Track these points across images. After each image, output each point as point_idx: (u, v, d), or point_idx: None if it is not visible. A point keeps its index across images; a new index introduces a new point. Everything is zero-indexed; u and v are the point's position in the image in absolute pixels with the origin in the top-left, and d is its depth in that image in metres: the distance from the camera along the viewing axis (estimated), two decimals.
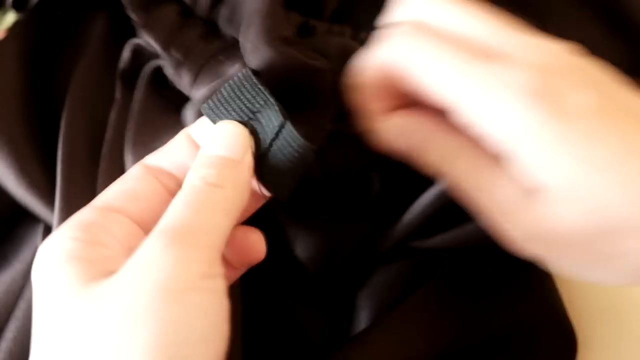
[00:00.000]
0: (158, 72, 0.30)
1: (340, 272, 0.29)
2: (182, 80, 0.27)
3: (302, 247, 0.28)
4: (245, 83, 0.22)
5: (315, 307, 0.29)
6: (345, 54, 0.28)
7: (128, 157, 0.28)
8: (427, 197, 0.29)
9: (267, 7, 0.25)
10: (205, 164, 0.21)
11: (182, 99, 0.30)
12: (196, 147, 0.23)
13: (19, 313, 0.29)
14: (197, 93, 0.26)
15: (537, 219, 0.19)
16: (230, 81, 0.23)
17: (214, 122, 0.22)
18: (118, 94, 0.31)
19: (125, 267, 0.18)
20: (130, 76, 0.31)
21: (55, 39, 0.33)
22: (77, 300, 0.17)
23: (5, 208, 0.31)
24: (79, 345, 0.17)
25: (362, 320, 0.28)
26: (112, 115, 0.30)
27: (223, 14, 0.28)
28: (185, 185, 0.20)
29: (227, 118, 0.22)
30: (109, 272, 0.18)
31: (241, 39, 0.25)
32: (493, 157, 0.21)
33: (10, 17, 0.35)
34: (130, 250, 0.19)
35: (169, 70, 0.28)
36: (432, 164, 0.22)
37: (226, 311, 0.18)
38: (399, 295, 0.28)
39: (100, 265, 0.18)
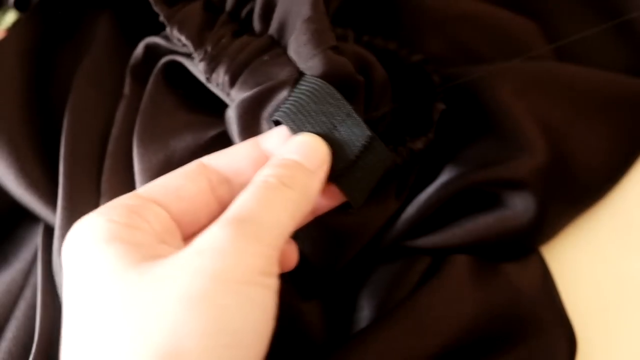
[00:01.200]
0: (171, 69, 0.30)
1: (341, 271, 0.29)
2: (218, 78, 0.27)
3: (309, 243, 0.28)
4: (326, 95, 0.23)
5: (316, 306, 0.29)
6: (361, 63, 0.28)
7: (136, 152, 0.28)
8: (423, 196, 0.29)
9: (316, 15, 0.25)
10: (279, 164, 0.21)
11: (195, 97, 0.30)
12: (263, 156, 0.23)
13: (18, 313, 0.28)
14: (240, 93, 0.26)
15: None
16: (306, 91, 0.23)
17: (293, 129, 0.23)
18: (127, 90, 0.31)
19: (188, 250, 0.18)
20: (141, 72, 0.31)
21: (56, 38, 0.33)
22: (126, 282, 0.17)
23: (5, 208, 0.31)
24: (129, 326, 0.16)
25: (363, 319, 0.28)
26: (120, 112, 0.30)
27: (255, 11, 0.28)
28: (256, 179, 0.20)
29: (309, 128, 0.23)
30: (154, 256, 0.18)
31: (294, 44, 0.25)
32: None
33: (10, 17, 0.35)
34: (163, 243, 0.19)
35: (201, 67, 0.27)
36: None
37: (275, 310, 0.18)
38: (400, 294, 0.28)
39: (143, 249, 0.18)
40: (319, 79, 0.23)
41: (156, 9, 0.28)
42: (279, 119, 0.23)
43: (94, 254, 0.18)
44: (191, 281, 0.17)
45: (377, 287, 0.29)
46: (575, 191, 0.32)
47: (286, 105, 0.23)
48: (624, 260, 0.32)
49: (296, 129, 0.23)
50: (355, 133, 0.22)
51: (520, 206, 0.29)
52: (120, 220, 0.19)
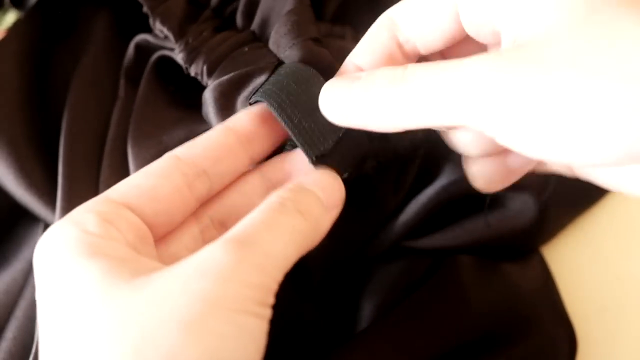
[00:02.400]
0: (163, 66, 0.30)
1: (341, 272, 0.29)
2: (197, 68, 0.27)
3: None
4: (308, 77, 0.22)
5: (316, 306, 0.29)
6: (344, 58, 0.28)
7: (130, 151, 0.28)
8: (423, 197, 0.29)
9: (299, 7, 0.25)
10: (298, 190, 0.20)
11: (186, 94, 0.30)
12: (236, 140, 0.22)
13: (19, 313, 0.28)
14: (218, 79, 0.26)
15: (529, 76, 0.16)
16: (286, 74, 0.23)
17: (274, 108, 0.22)
18: (122, 92, 0.31)
19: (186, 268, 0.17)
20: (134, 73, 0.31)
21: (56, 38, 0.33)
22: (118, 300, 0.16)
23: (5, 208, 0.31)
24: (123, 347, 0.16)
25: (363, 319, 0.28)
26: (116, 113, 0.30)
27: (239, 8, 0.28)
28: (271, 199, 0.20)
29: (291, 108, 0.22)
30: (143, 270, 0.17)
31: (275, 35, 0.25)
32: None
33: (10, 17, 0.35)
34: (136, 251, 0.19)
35: (181, 57, 0.27)
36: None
37: (265, 339, 0.18)
38: (400, 294, 0.28)
39: (129, 264, 0.17)
40: (300, 63, 0.23)
41: (140, 0, 0.29)
42: (259, 99, 0.23)
43: (74, 269, 0.17)
44: (190, 305, 0.16)
45: (377, 287, 0.29)
46: (575, 191, 0.32)
47: (266, 87, 0.23)
48: (624, 260, 0.32)
49: (277, 107, 0.22)
50: None
51: (520, 207, 0.29)
52: (95, 231, 0.18)
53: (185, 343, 0.16)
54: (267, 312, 0.18)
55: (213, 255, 0.17)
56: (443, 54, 0.23)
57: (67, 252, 0.17)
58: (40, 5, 0.33)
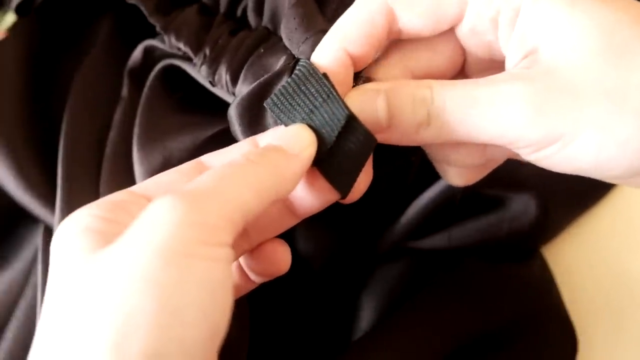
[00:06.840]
0: (169, 72, 0.30)
1: (342, 272, 0.29)
2: (221, 79, 0.27)
3: (305, 245, 0.28)
4: (309, 77, 0.22)
5: (318, 307, 0.29)
6: None
7: (135, 155, 0.28)
8: (424, 198, 0.29)
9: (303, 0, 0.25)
10: (253, 148, 0.21)
11: (192, 99, 0.30)
12: None
13: (19, 313, 0.29)
14: (243, 88, 0.26)
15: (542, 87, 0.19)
16: (294, 75, 0.22)
17: (279, 117, 0.22)
18: (125, 92, 0.31)
19: (130, 229, 0.17)
20: (139, 75, 0.31)
21: (57, 40, 0.33)
22: (86, 266, 0.17)
23: (5, 209, 0.31)
24: (85, 309, 0.16)
25: (364, 318, 0.28)
26: (118, 115, 0.30)
27: (249, 6, 0.28)
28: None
29: (291, 112, 0.22)
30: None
31: (286, 31, 0.25)
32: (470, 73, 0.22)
33: (10, 17, 0.35)
34: None
35: (203, 71, 0.27)
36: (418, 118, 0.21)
37: (228, 283, 0.18)
38: (401, 295, 0.29)
39: (110, 237, 0.18)
40: (305, 60, 0.23)
41: (151, 20, 0.28)
42: (266, 105, 0.23)
43: (68, 243, 0.18)
44: (135, 258, 0.16)
45: (378, 287, 0.29)
46: (576, 191, 0.32)
47: (275, 93, 0.23)
48: (624, 259, 0.32)
49: (280, 113, 0.22)
50: (335, 114, 0.21)
51: (521, 207, 0.29)
52: (100, 213, 0.19)
53: (135, 295, 0.16)
54: (220, 253, 0.18)
55: (152, 209, 0.17)
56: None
57: (70, 229, 0.18)
58: (42, 7, 0.33)
